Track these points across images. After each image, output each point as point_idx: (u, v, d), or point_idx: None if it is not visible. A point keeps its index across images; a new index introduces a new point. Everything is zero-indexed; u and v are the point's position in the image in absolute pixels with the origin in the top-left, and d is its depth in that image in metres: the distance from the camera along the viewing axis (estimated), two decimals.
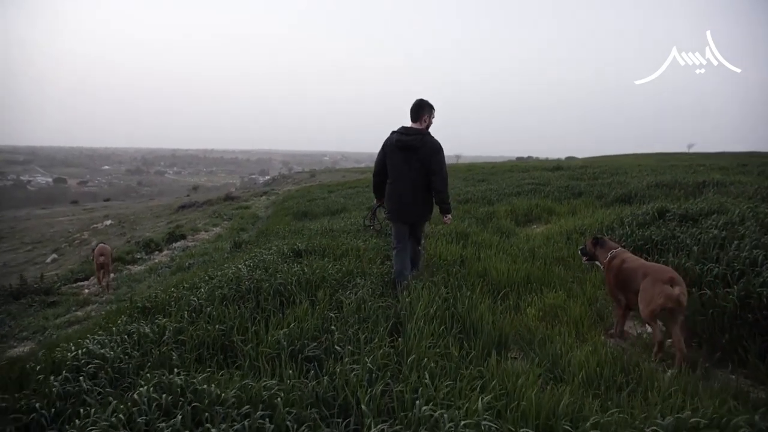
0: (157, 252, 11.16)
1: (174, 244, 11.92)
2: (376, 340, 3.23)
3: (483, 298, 4.15)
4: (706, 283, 3.88)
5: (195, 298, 4.06)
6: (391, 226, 4.99)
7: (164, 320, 3.62)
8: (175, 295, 4.36)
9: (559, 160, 42.22)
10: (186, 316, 3.71)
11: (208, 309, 3.82)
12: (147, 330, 3.43)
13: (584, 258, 4.33)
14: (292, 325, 3.43)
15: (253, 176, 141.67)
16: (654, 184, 10.89)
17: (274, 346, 3.17)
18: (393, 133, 4.59)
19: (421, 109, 4.54)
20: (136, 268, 9.66)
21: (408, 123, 4.62)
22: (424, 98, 4.58)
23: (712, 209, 5.61)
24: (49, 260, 17.45)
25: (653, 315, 3.31)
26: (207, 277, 4.97)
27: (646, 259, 4.73)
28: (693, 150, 51.23)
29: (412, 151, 4.45)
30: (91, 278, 8.96)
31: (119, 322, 3.72)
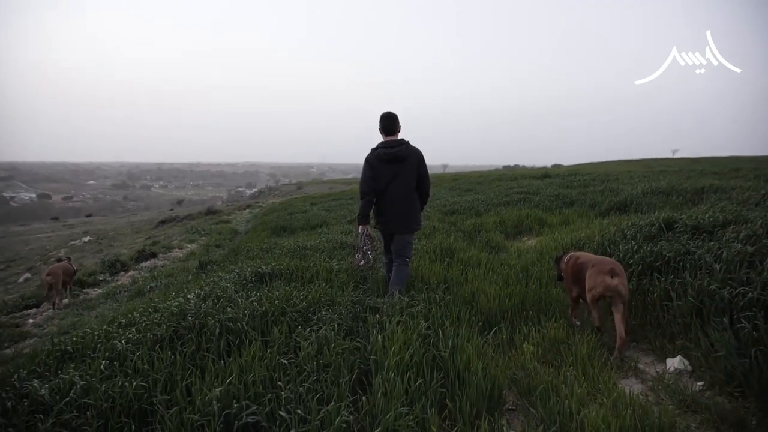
0: (122, 272, 10.35)
1: (143, 264, 11.12)
2: (335, 399, 2.54)
3: (471, 331, 3.47)
4: (738, 310, 3.22)
5: (121, 342, 3.31)
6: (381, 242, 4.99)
7: (72, 374, 2.88)
8: (103, 335, 3.62)
9: (545, 167, 42.03)
10: (102, 367, 2.97)
11: (136, 354, 3.10)
12: (44, 392, 2.69)
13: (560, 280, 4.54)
14: (232, 377, 2.71)
15: (240, 189, 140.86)
16: (649, 191, 10.34)
17: (205, 410, 2.46)
18: (374, 149, 4.58)
19: (396, 121, 4.60)
20: (95, 292, 8.85)
21: (378, 138, 4.64)
22: (391, 111, 4.63)
23: (727, 219, 4.95)
24: (21, 280, 16.62)
25: (594, 301, 3.63)
26: (150, 310, 4.23)
27: (658, 279, 4.12)
28: (677, 155, 51.39)
29: (400, 162, 4.50)
30: (43, 305, 8.14)
31: (14, 379, 2.95)
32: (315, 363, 2.91)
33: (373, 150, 4.59)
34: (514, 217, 9.41)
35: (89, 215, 51.55)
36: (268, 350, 3.10)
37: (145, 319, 3.91)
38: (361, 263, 4.80)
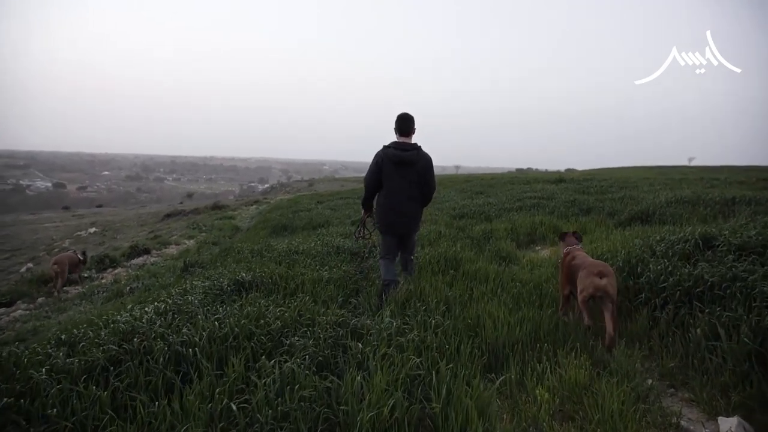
0: (110, 269, 9.84)
1: (134, 260, 10.60)
2: None
3: (473, 370, 2.84)
4: None
5: (41, 370, 2.70)
6: (379, 238, 5.04)
7: None
8: (27, 357, 3.01)
9: (559, 172, 41.07)
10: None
11: (53, 390, 2.50)
12: None
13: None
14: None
15: (252, 184, 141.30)
16: (673, 200, 9.58)
17: None
18: (386, 148, 4.58)
19: (411, 123, 4.63)
20: (75, 290, 8.34)
21: (391, 136, 4.68)
22: (407, 112, 4.66)
23: None
24: (23, 269, 16.38)
25: (585, 301, 3.71)
26: (102, 323, 3.63)
27: (699, 309, 3.44)
28: (693, 163, 50.04)
29: (409, 166, 4.53)
30: (17, 303, 7.66)
31: None
32: (271, 411, 2.30)
33: (385, 148, 4.59)
34: (527, 224, 8.74)
35: (99, 206, 51.53)
36: (218, 388, 2.49)
37: (90, 334, 3.32)
38: (355, 239, 5.49)
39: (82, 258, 9.51)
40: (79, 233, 24.93)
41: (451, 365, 2.78)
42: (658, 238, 5.34)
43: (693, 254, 4.51)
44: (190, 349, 2.90)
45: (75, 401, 2.41)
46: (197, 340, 3.00)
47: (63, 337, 3.36)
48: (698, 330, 3.21)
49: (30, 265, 17.12)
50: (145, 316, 3.51)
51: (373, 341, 3.10)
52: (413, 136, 4.65)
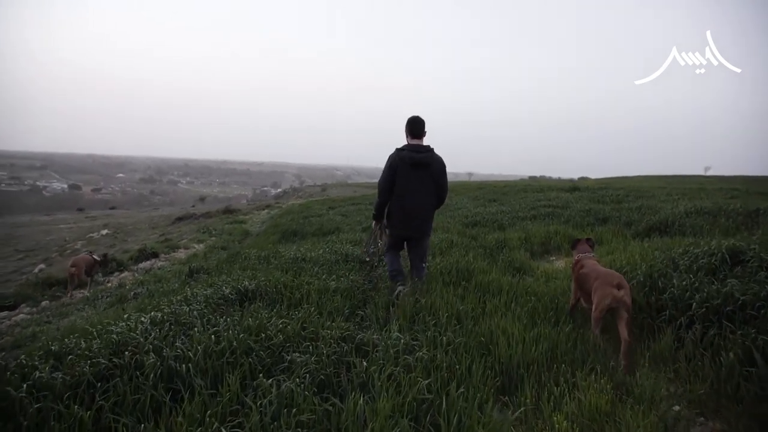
0: (117, 273, 9.78)
1: (141, 264, 10.53)
2: None
3: (485, 394, 2.63)
4: None
5: (23, 386, 2.53)
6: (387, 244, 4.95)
7: None
8: (11, 371, 2.85)
9: (572, 180, 40.61)
10: None
11: (30, 411, 2.33)
12: None
13: None
14: None
15: (266, 188, 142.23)
16: (693, 211, 9.26)
17: None
18: (400, 151, 4.56)
19: (423, 125, 4.64)
20: (80, 294, 8.26)
21: (402, 140, 4.69)
22: (418, 115, 4.66)
23: None
24: (36, 270, 16.50)
25: (602, 313, 3.67)
26: (95, 332, 3.46)
27: (731, 330, 3.20)
28: (710, 173, 49.13)
29: (424, 168, 4.54)
30: (21, 306, 7.59)
31: None
32: None
33: (399, 151, 4.57)
34: (542, 234, 8.50)
35: (112, 208, 52.05)
36: (210, 410, 2.31)
37: (83, 345, 3.16)
38: (367, 256, 5.07)
39: (99, 260, 9.63)
40: (91, 235, 25.10)
41: (462, 389, 2.57)
42: (680, 250, 5.08)
43: (720, 269, 4.25)
44: (183, 365, 2.73)
45: (54, 422, 2.24)
46: (191, 355, 2.83)
47: (53, 347, 3.21)
48: (731, 353, 2.97)
49: (42, 266, 17.22)
50: (140, 327, 3.35)
51: (379, 359, 2.90)
52: (424, 138, 4.68)
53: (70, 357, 2.90)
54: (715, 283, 3.84)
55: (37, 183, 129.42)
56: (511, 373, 3.13)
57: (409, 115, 4.68)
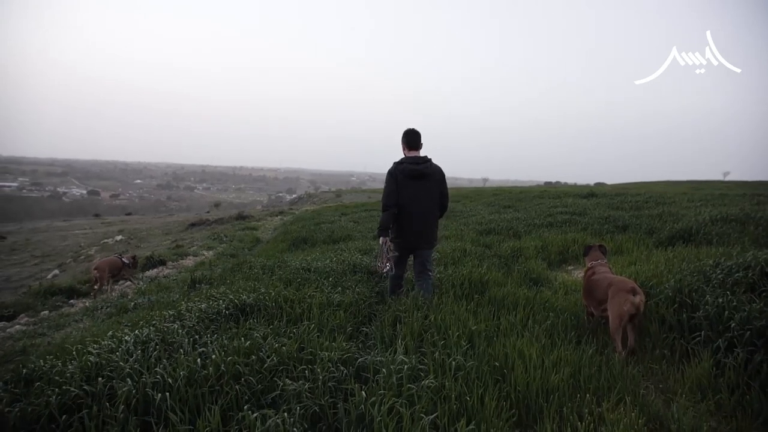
0: (122, 281, 9.61)
1: (148, 272, 10.37)
2: None
3: (500, 429, 2.31)
4: None
5: None
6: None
7: None
8: None
9: (588, 185, 39.87)
10: None
11: None
12: None
13: None
14: None
15: (281, 194, 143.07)
16: (718, 218, 8.79)
17: None
18: (399, 164, 4.65)
19: (420, 137, 4.73)
20: (80, 304, 8.09)
21: (400, 153, 4.76)
22: (413, 127, 4.74)
23: None
24: (50, 276, 16.54)
25: (623, 322, 3.58)
26: (74, 352, 3.19)
27: None
28: (728, 178, 47.90)
29: (425, 179, 4.61)
30: (21, 316, 7.42)
31: None
32: None
33: (398, 164, 4.64)
34: (559, 242, 8.13)
35: (128, 213, 52.49)
36: None
37: (59, 367, 2.90)
38: (385, 270, 4.91)
39: (128, 262, 9.65)
40: (106, 240, 25.18)
41: (472, 426, 2.26)
42: (711, 263, 4.70)
43: (759, 285, 3.87)
44: (161, 394, 2.45)
45: None
46: (171, 381, 2.55)
47: (25, 370, 2.93)
48: None
49: (56, 271, 17.25)
50: (123, 347, 3.08)
51: (380, 389, 2.59)
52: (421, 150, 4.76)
53: (38, 383, 2.64)
54: (757, 301, 3.46)
55: (58, 189, 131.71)
56: (528, 403, 2.80)
57: (405, 128, 4.74)
